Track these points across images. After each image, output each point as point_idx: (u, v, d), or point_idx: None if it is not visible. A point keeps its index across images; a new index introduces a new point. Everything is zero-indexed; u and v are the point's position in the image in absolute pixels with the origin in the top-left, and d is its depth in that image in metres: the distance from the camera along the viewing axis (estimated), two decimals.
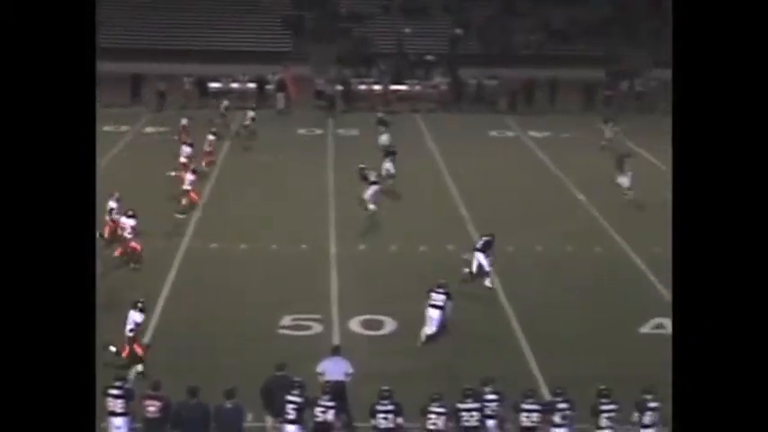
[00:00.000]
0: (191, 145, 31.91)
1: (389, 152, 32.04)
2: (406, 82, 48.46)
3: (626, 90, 48.08)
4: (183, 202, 28.62)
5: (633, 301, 22.94)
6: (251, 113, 38.44)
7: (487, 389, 15.88)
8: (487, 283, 23.30)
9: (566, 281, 24.22)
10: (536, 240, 26.39)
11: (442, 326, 20.53)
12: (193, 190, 28.97)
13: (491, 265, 23.43)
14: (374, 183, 28.59)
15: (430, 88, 47.72)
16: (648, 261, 25.29)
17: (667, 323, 21.54)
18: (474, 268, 23.30)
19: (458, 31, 58.75)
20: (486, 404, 15.70)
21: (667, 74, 45.53)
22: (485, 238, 23.76)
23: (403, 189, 31.03)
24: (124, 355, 18.49)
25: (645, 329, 21.38)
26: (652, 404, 15.56)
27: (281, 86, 45.18)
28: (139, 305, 18.91)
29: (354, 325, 21.33)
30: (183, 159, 31.03)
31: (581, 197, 31.32)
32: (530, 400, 15.67)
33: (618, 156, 32.62)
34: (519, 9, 63.11)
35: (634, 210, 30.00)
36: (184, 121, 35.64)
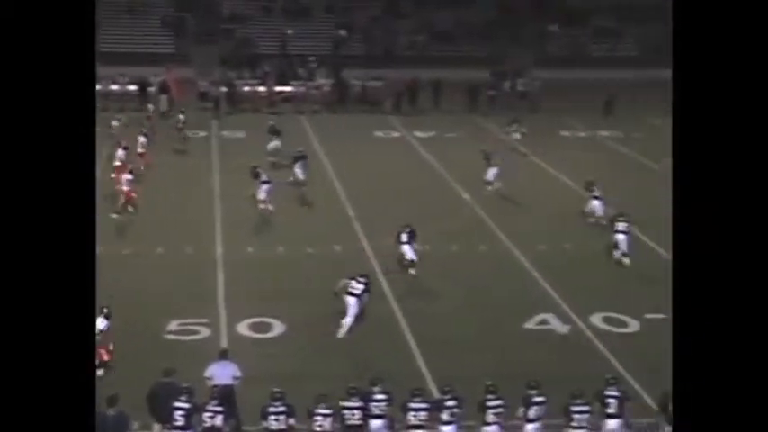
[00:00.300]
0: (125, 148, 31.68)
1: (299, 157, 31.85)
2: (290, 83, 48.31)
3: (509, 90, 48.80)
4: (121, 201, 28.42)
5: (518, 297, 23.30)
6: (182, 117, 38.13)
7: (376, 388, 15.93)
8: (412, 271, 24.31)
9: (452, 279, 24.44)
10: (423, 240, 26.52)
11: (359, 314, 21.04)
12: (131, 190, 28.71)
13: (416, 254, 24.45)
14: (266, 182, 28.57)
15: (314, 89, 47.66)
16: (533, 258, 25.72)
17: (551, 318, 21.96)
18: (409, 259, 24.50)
19: (341, 32, 58.86)
20: (375, 403, 15.75)
21: (548, 74, 46.52)
22: (408, 230, 24.72)
23: (290, 191, 30.91)
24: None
25: (529, 325, 21.73)
26: (537, 399, 15.83)
27: (164, 88, 44.56)
28: (105, 311, 18.55)
29: (242, 328, 21.17)
30: (117, 162, 30.74)
31: (466, 196, 31.67)
32: (417, 399, 15.77)
33: (485, 151, 33.07)
34: (402, 10, 63.52)
35: (517, 208, 30.49)
36: (115, 123, 35.73)
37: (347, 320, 20.85)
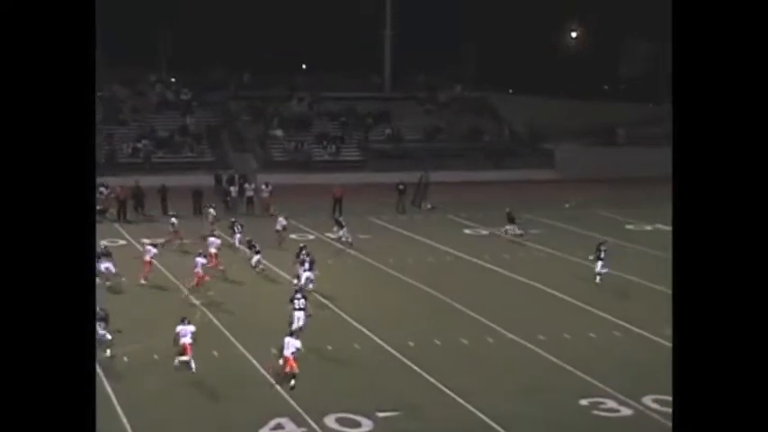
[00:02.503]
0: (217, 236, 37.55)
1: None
2: None
3: (236, 195, 49.04)
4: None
5: (251, 402, 23.02)
6: (283, 221, 40.84)
7: None
8: None
9: (183, 386, 23.87)
10: (152, 350, 25.98)
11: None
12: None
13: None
14: None
15: None
16: (265, 361, 25.56)
17: (286, 422, 21.79)
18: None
19: None
20: None
21: (273, 178, 47.17)
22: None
23: None
24: (288, 370, 23.86)
25: (264, 430, 21.46)
26: None
27: None
28: (295, 334, 24.74)
29: None
30: (213, 250, 35.25)
31: (196, 302, 31.28)
32: None
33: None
34: (121, 117, 62.89)
35: (248, 313, 30.40)
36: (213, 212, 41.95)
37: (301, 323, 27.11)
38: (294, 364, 23.84)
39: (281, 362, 24.22)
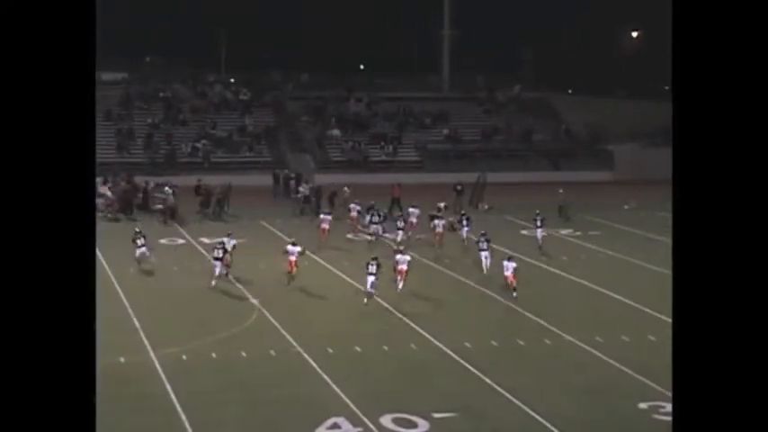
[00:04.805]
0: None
1: None
2: None
3: (294, 194, 49.32)
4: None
5: (308, 401, 23.07)
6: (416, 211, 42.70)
7: None
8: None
9: (240, 384, 24.02)
10: (211, 347, 26.20)
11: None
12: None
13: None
14: None
15: (97, 197, 46.55)
16: (322, 360, 25.64)
17: (342, 422, 21.83)
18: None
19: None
20: None
21: (329, 178, 47.26)
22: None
23: None
24: (512, 283, 31.72)
25: (320, 430, 21.49)
26: None
27: None
28: (512, 257, 32.90)
29: None
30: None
31: (254, 301, 31.48)
32: None
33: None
34: (181, 117, 63.52)
35: (305, 310, 30.52)
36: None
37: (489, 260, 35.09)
38: (514, 280, 31.75)
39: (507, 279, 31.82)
